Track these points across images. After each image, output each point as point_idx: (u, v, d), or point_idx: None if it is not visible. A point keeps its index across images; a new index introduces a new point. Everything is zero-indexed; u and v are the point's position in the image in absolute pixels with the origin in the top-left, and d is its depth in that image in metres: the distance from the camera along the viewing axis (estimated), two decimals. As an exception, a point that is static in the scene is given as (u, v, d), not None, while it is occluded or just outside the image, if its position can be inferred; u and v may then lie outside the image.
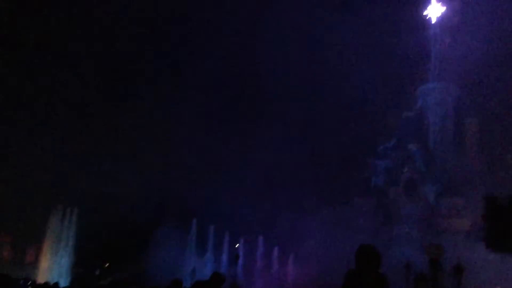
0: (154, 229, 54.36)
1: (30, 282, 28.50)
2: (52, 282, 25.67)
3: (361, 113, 69.77)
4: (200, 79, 79.90)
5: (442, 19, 69.66)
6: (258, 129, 65.75)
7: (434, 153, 66.21)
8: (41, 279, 43.11)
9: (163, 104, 77.14)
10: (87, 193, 58.35)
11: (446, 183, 61.27)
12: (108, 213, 57.62)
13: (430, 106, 68.53)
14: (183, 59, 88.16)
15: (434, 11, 70.14)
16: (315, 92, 71.16)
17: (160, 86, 79.45)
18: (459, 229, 57.14)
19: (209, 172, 67.85)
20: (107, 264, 62.58)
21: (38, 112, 72.52)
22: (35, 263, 55.29)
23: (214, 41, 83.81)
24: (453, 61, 67.28)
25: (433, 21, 69.98)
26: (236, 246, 60.12)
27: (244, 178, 60.06)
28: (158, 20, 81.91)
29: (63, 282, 38.24)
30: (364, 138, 70.52)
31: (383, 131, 71.13)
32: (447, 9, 69.65)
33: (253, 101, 74.02)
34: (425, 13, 70.74)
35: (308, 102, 71.96)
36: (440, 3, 69.91)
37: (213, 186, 59.31)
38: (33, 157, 65.23)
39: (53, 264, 53.21)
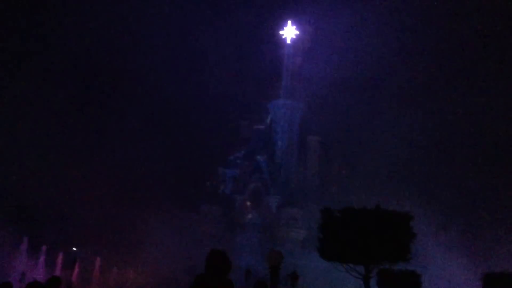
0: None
1: None
2: None
3: (215, 122, 71.12)
4: (38, 66, 72.09)
5: (295, 42, 74.42)
6: (110, 126, 63.21)
7: (280, 165, 69.93)
8: None
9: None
10: None
11: (288, 194, 65.00)
12: None
13: (278, 121, 72.34)
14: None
15: (289, 33, 74.72)
16: (173, 96, 70.54)
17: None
18: (296, 238, 61.12)
19: (50, 170, 63.11)
20: None
21: None
22: None
23: (60, 29, 77.99)
24: (302, 81, 72.36)
25: (288, 41, 74.48)
26: (74, 249, 56.94)
27: (89, 178, 57.21)
28: None
29: None
30: (217, 147, 72.05)
31: (235, 142, 73.46)
32: (300, 33, 74.65)
33: (108, 98, 70.86)
34: (281, 32, 75.08)
35: (166, 105, 70.95)
36: (294, 26, 74.70)
37: (52, 185, 55.46)
38: None
39: None
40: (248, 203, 66.02)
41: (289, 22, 74.80)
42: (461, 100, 66.42)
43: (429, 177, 62.91)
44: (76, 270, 50.94)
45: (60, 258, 50.14)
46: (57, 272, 44.93)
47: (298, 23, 74.73)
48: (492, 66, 69.04)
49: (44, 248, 50.02)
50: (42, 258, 49.56)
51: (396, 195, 47.80)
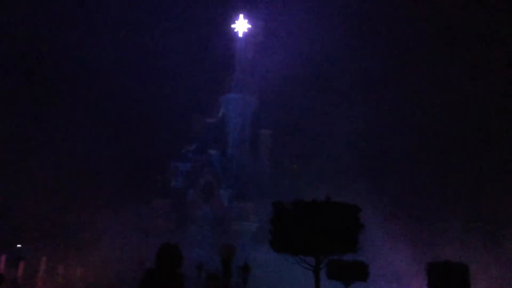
0: None
1: None
2: None
3: (166, 116, 70.25)
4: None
5: (247, 36, 74.49)
6: (58, 119, 61.26)
7: (231, 159, 70.01)
8: None
9: None
10: None
11: (240, 188, 65.24)
12: None
13: (230, 115, 72.31)
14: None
15: (241, 27, 74.68)
16: (125, 89, 69.11)
17: None
18: (248, 231, 61.53)
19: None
20: None
21: None
22: None
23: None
24: (254, 75, 72.66)
25: (240, 35, 74.44)
26: (18, 247, 54.99)
27: (35, 172, 55.36)
28: None
29: None
30: (167, 141, 71.27)
31: (187, 136, 72.94)
32: (252, 27, 74.77)
33: (57, 89, 68.36)
34: (233, 26, 74.95)
35: (118, 98, 69.35)
36: (246, 20, 74.71)
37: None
38: None
39: None
40: (200, 197, 65.80)
41: (241, 15, 74.76)
42: (410, 94, 68.59)
43: (378, 169, 64.71)
44: (21, 268, 49.29)
45: (3, 256, 48.35)
46: (1, 270, 43.32)
47: (250, 17, 74.82)
48: (441, 60, 71.52)
49: (-14, 245, 48.20)
50: (-16, 256, 47.65)
51: (346, 188, 48.92)
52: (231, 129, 71.64)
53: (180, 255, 6.16)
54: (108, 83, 68.70)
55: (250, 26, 74.83)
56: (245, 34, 74.56)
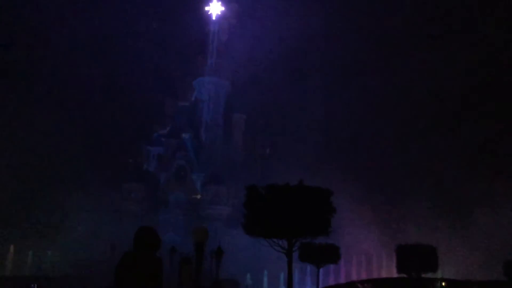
0: None
1: None
2: None
3: (138, 99, 69.20)
4: None
5: (221, 18, 73.77)
6: (29, 100, 59.69)
7: (204, 143, 69.78)
8: None
9: None
10: None
11: (212, 172, 65.16)
12: None
13: (204, 99, 71.84)
14: None
15: (215, 9, 73.90)
16: (98, 72, 67.53)
17: None
18: (221, 215, 61.65)
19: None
20: None
21: None
22: None
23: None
24: (228, 58, 72.11)
25: (213, 17, 73.69)
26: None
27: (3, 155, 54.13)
28: None
29: None
30: (139, 125, 70.33)
31: (159, 119, 72.15)
32: (226, 9, 74.07)
33: (27, 70, 66.28)
34: (207, 8, 74.10)
35: (90, 80, 67.71)
36: (220, 2, 73.93)
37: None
38: None
39: None
40: (173, 181, 65.48)
41: (215, -3, 73.90)
42: (384, 80, 69.17)
43: (350, 154, 65.44)
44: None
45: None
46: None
47: (224, -1, 74.08)
48: (417, 42, 72.00)
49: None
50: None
51: (319, 173, 49.38)
52: (204, 113, 71.27)
53: (158, 238, 6.13)
54: (83, 65, 67.16)
55: (223, 8, 74.14)
56: (218, 16, 73.86)
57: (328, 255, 34.63)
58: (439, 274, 38.16)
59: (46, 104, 61.79)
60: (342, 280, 51.31)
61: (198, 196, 64.67)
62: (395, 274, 37.49)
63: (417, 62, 69.18)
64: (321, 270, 36.49)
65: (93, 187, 56.35)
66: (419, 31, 71.92)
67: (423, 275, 34.23)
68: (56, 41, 68.52)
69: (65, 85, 66.65)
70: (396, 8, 72.90)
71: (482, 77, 66.02)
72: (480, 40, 68.16)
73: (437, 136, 64.28)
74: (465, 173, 58.12)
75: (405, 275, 34.87)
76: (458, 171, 58.98)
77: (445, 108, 67.00)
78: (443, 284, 34.91)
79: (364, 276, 51.64)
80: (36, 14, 67.91)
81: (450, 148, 62.49)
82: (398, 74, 68.45)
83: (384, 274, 51.84)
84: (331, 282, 50.05)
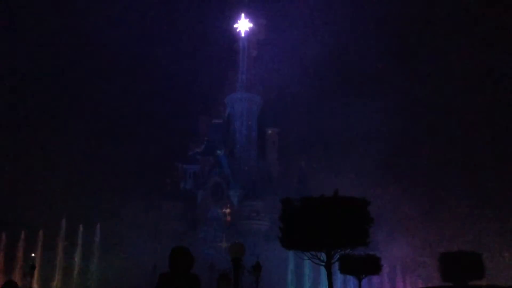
0: None
1: None
2: None
3: (172, 120, 70.49)
4: None
5: (250, 35, 74.55)
6: (69, 124, 61.49)
7: (239, 159, 70.13)
8: None
9: None
10: None
11: (249, 187, 65.33)
12: None
13: (236, 115, 72.43)
14: None
15: (243, 26, 74.80)
16: (132, 93, 69.28)
17: None
18: (259, 230, 61.61)
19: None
20: None
21: None
22: None
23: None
24: (258, 73, 72.70)
25: (242, 34, 74.56)
26: (33, 255, 55.27)
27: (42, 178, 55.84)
28: None
29: None
30: (175, 144, 71.51)
31: (194, 138, 73.06)
32: (254, 26, 74.88)
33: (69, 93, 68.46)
34: (235, 26, 75.08)
35: (125, 103, 69.56)
36: (248, 19, 74.81)
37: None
38: None
39: None
40: (210, 198, 65.96)
41: (243, 15, 74.87)
42: (416, 90, 68.32)
43: (385, 163, 64.52)
44: (35, 276, 49.67)
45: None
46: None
47: (251, 15, 74.89)
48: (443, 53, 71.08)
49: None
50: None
51: (355, 182, 48.90)
52: (237, 129, 71.77)
53: (191, 257, 6.29)
54: (118, 87, 69.03)
55: (251, 25, 74.92)
56: (247, 33, 74.67)
57: (369, 266, 34.06)
58: (485, 281, 37.05)
59: (86, 126, 63.57)
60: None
61: (236, 212, 64.85)
62: (439, 283, 36.61)
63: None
64: (364, 281, 35.90)
65: (134, 207, 57.26)
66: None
67: (470, 283, 33.29)
68: (91, 66, 70.70)
69: (105, 105, 68.47)
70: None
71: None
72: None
73: (472, 140, 62.79)
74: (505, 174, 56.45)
75: (450, 284, 33.99)
76: (497, 175, 57.32)
77: (486, 111, 65.36)
78: (491, 291, 33.87)
79: (408, 287, 50.58)
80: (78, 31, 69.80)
81: (487, 150, 60.87)
82: (432, 82, 67.28)
83: (429, 284, 50.62)
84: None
